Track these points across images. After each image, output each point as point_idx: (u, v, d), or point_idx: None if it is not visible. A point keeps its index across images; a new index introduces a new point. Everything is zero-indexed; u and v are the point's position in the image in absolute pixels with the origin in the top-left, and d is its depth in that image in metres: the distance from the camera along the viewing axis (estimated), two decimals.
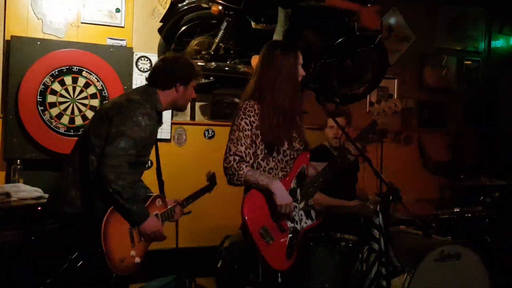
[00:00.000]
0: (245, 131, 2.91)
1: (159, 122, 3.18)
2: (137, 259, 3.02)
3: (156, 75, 3.14)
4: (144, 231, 3.00)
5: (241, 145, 2.89)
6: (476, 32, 6.39)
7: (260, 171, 2.95)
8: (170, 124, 4.86)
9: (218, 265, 4.65)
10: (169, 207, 3.30)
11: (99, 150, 2.91)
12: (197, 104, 5.01)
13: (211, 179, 3.75)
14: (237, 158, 2.87)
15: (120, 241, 2.92)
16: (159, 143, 4.71)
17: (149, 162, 4.72)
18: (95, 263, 2.90)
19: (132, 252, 2.98)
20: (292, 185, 2.97)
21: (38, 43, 4.33)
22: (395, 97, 5.92)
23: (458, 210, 4.48)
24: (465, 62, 6.35)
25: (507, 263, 4.51)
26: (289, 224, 2.94)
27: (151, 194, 3.28)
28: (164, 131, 4.83)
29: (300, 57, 3.04)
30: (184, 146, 4.94)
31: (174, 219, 3.37)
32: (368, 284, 2.99)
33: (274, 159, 2.97)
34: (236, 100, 5.09)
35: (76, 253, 3.11)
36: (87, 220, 2.89)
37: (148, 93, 3.10)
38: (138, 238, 3.01)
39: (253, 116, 2.93)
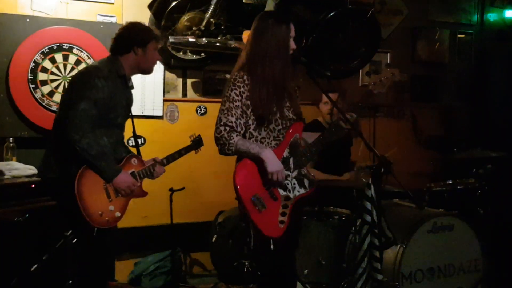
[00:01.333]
0: (235, 101, 2.92)
1: (127, 86, 3.38)
2: (118, 213, 3.24)
3: (115, 43, 3.34)
4: (118, 186, 3.20)
5: (232, 116, 2.90)
6: (468, 4, 6.35)
7: (252, 140, 2.96)
8: (162, 101, 4.85)
9: (213, 240, 4.69)
10: (147, 165, 3.44)
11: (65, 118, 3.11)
12: (189, 81, 4.99)
13: (195, 140, 3.79)
14: (227, 128, 2.88)
15: (96, 196, 3.13)
16: (151, 120, 4.81)
17: (142, 139, 4.76)
18: (76, 220, 3.10)
19: (111, 207, 3.19)
20: (285, 154, 2.98)
21: (28, 20, 4.28)
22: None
23: (450, 182, 4.52)
24: (458, 35, 6.32)
25: (498, 233, 4.56)
26: (282, 192, 2.96)
27: (128, 154, 3.43)
28: (156, 108, 4.82)
29: (293, 30, 3.02)
30: (177, 123, 4.94)
31: (154, 177, 3.50)
32: (362, 255, 3.02)
33: (266, 129, 2.97)
34: (228, 76, 5.06)
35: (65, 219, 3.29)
36: (65, 182, 3.08)
37: (109, 59, 3.33)
38: (114, 193, 3.21)
39: (243, 86, 2.94)
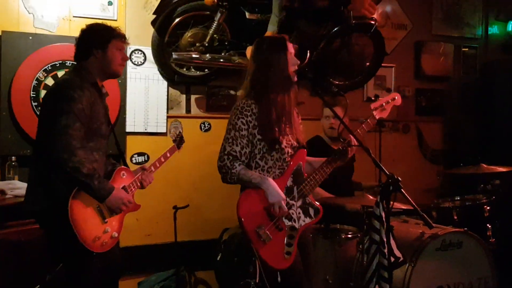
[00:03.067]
0: (242, 130, 2.89)
1: (101, 94, 3.19)
2: (114, 234, 3.08)
3: (76, 49, 3.19)
4: (112, 205, 3.02)
5: (237, 145, 2.88)
6: (473, 18, 6.34)
7: (259, 170, 2.93)
8: (165, 117, 4.81)
9: (218, 258, 4.63)
10: (136, 176, 3.30)
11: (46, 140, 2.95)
12: (193, 97, 4.96)
13: (176, 139, 3.67)
14: (231, 157, 2.87)
15: (91, 221, 2.95)
16: (155, 137, 4.77)
17: (146, 156, 4.72)
18: (73, 247, 2.92)
19: (107, 228, 3.03)
20: (289, 183, 2.95)
21: (30, 38, 4.27)
22: (392, 86, 5.88)
23: (458, 198, 4.46)
24: (463, 49, 6.29)
25: (508, 250, 4.49)
26: (287, 222, 2.91)
27: (115, 168, 3.28)
28: (159, 125, 4.78)
29: (290, 46, 3.01)
30: None
31: (145, 186, 3.34)
32: (370, 276, 2.95)
33: (272, 158, 2.95)
34: (232, 92, 5.04)
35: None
36: (56, 213, 2.90)
37: (76, 68, 3.18)
38: (108, 213, 3.04)
39: (250, 115, 2.92)
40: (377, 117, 3.31)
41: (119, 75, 3.28)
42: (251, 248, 2.81)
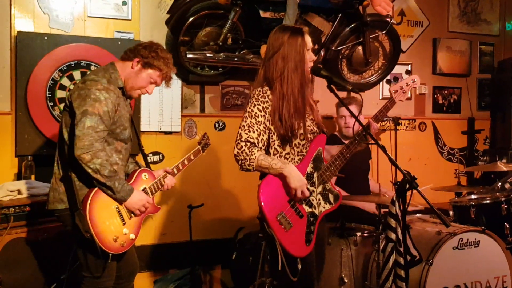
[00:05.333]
0: (258, 117, 2.85)
1: (126, 98, 3.18)
2: (132, 235, 3.08)
3: (127, 50, 3.18)
4: (132, 207, 3.04)
5: (253, 131, 2.84)
6: (490, 15, 6.27)
7: (277, 156, 2.89)
8: (180, 116, 4.82)
9: (233, 257, 4.63)
10: (157, 178, 3.28)
11: (69, 140, 2.99)
12: (207, 96, 4.96)
13: (201, 142, 3.59)
14: (248, 143, 2.82)
15: (110, 221, 2.97)
16: (170, 136, 4.78)
17: (161, 155, 4.73)
18: (90, 247, 2.95)
19: (125, 230, 3.03)
20: (309, 169, 2.91)
21: (46, 38, 4.29)
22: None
23: (475, 196, 4.41)
24: (480, 46, 6.23)
25: None
26: (307, 209, 2.89)
27: (137, 168, 3.27)
28: (174, 124, 4.79)
29: (309, 41, 2.97)
30: (195, 139, 4.89)
31: (165, 189, 3.32)
32: (386, 274, 2.93)
33: (291, 144, 2.91)
34: (246, 91, 5.03)
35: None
36: (75, 211, 2.94)
37: (105, 68, 3.13)
38: (128, 215, 3.05)
39: (266, 102, 2.88)
40: (396, 100, 3.26)
41: (133, 96, 3.22)
42: (271, 237, 2.78)
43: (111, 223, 2.98)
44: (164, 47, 3.22)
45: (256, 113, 2.86)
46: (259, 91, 2.90)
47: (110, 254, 2.95)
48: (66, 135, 3.03)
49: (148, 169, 3.32)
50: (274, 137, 2.90)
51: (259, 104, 2.87)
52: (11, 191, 3.77)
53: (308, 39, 2.96)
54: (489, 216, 4.28)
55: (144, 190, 3.17)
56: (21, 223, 3.63)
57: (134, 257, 3.36)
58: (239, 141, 2.84)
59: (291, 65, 2.88)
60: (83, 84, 3.02)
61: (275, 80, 2.88)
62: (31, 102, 4.22)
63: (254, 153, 2.81)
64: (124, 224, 3.03)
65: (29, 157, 4.17)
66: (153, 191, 3.23)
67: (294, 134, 2.88)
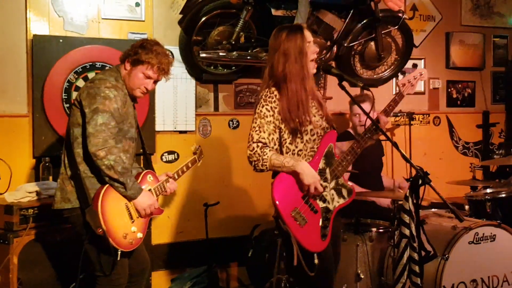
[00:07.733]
0: (267, 117, 2.90)
1: (132, 98, 3.23)
2: (139, 234, 3.13)
3: (123, 52, 3.21)
4: (140, 205, 3.08)
5: (264, 132, 2.88)
6: (503, 8, 6.22)
7: (290, 154, 2.93)
8: (194, 115, 4.85)
9: (249, 255, 4.65)
10: (160, 181, 3.34)
11: (82, 138, 3.02)
12: (220, 95, 4.99)
13: (196, 152, 3.67)
14: (260, 144, 2.86)
15: (120, 218, 3.03)
16: (184, 135, 4.81)
17: (176, 154, 4.77)
18: (100, 244, 3.00)
19: (133, 228, 3.09)
20: (321, 165, 2.94)
21: (61, 40, 4.33)
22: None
23: (491, 190, 4.39)
24: (493, 39, 6.19)
25: None
26: (321, 204, 2.92)
27: (142, 171, 3.33)
28: (188, 123, 4.82)
29: (308, 35, 3.00)
30: (209, 137, 4.93)
31: (168, 193, 3.40)
32: (401, 270, 2.94)
33: (302, 141, 2.95)
34: (259, 89, 5.05)
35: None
36: (86, 209, 2.99)
37: (112, 68, 3.22)
38: (136, 214, 3.10)
39: (274, 101, 2.93)
40: (404, 93, 3.27)
41: (135, 96, 3.24)
42: (287, 233, 2.81)
43: (121, 220, 3.03)
44: (163, 46, 3.24)
45: (264, 113, 2.91)
46: (266, 92, 2.96)
47: (120, 251, 2.99)
48: (76, 134, 3.06)
49: (152, 171, 3.38)
50: (285, 136, 2.94)
51: (267, 105, 2.92)
52: (29, 193, 3.82)
53: (307, 33, 3.00)
54: (505, 210, 4.26)
55: (149, 191, 3.23)
56: (39, 224, 3.68)
57: (143, 254, 3.40)
58: (251, 142, 2.89)
59: (291, 59, 2.93)
60: (92, 83, 3.08)
61: (279, 77, 2.94)
62: (48, 104, 4.28)
63: (266, 153, 2.85)
64: (133, 222, 3.09)
65: (46, 158, 4.22)
66: (157, 193, 3.29)
67: (304, 126, 2.91)
